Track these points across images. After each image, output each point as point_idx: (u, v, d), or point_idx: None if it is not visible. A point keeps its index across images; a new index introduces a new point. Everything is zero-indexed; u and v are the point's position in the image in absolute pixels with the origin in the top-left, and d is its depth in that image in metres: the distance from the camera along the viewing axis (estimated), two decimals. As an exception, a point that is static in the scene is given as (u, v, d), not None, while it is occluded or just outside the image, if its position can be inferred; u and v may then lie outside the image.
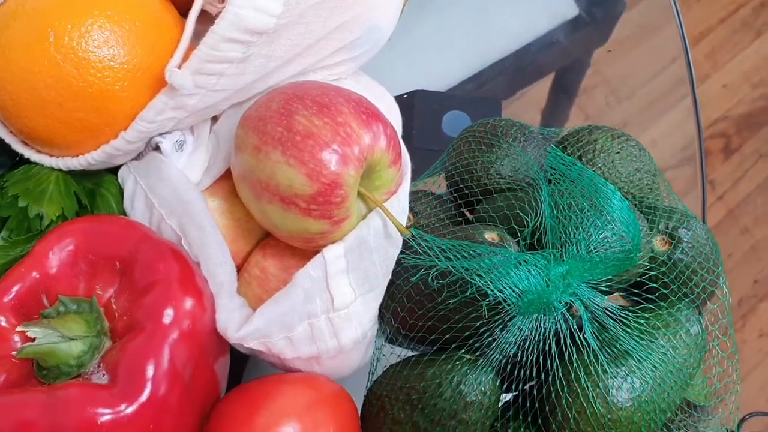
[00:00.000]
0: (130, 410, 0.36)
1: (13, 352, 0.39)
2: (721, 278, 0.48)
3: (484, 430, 0.42)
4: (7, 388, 0.37)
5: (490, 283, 0.36)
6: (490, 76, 0.77)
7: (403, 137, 0.54)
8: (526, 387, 0.42)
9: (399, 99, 0.64)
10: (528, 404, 0.43)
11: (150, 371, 0.37)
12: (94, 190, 0.47)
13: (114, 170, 0.48)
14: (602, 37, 0.90)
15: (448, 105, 0.64)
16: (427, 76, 0.74)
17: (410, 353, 0.47)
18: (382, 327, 0.47)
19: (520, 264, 0.37)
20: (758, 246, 1.44)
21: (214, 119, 0.49)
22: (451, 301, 0.40)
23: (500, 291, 0.36)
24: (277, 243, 0.47)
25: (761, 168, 1.50)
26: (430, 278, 0.40)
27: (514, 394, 0.44)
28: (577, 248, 0.40)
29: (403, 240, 0.43)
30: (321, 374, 0.46)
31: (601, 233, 0.38)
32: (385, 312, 0.46)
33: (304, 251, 0.45)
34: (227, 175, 0.48)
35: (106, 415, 0.36)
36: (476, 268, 0.36)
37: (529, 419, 0.43)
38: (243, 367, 0.55)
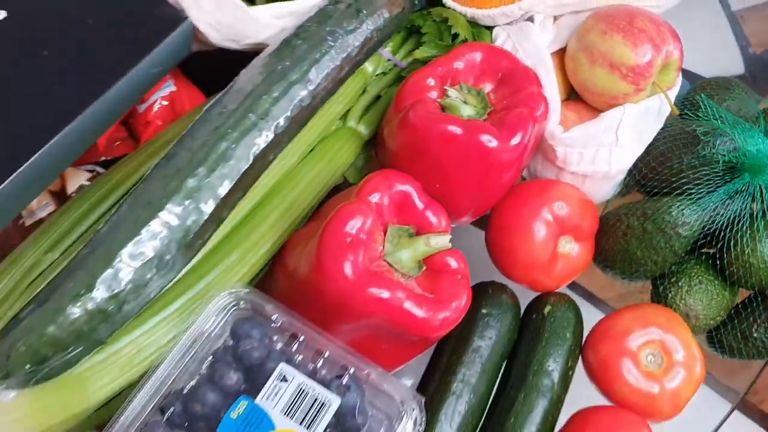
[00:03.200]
0: (511, 143, 0.61)
1: (438, 99, 0.65)
2: None
3: (684, 248, 0.66)
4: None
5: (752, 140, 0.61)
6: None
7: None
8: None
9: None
10: (714, 242, 0.67)
11: (525, 128, 0.62)
12: (476, 37, 0.73)
13: (487, 29, 0.74)
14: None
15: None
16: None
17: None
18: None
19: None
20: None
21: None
22: (703, 153, 0.64)
23: (756, 147, 0.61)
24: (575, 103, 0.73)
25: None
26: (697, 131, 0.64)
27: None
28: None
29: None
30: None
31: None
32: (638, 161, 0.70)
33: (593, 112, 0.71)
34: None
35: (493, 141, 0.61)
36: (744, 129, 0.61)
37: (714, 251, 0.67)
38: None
